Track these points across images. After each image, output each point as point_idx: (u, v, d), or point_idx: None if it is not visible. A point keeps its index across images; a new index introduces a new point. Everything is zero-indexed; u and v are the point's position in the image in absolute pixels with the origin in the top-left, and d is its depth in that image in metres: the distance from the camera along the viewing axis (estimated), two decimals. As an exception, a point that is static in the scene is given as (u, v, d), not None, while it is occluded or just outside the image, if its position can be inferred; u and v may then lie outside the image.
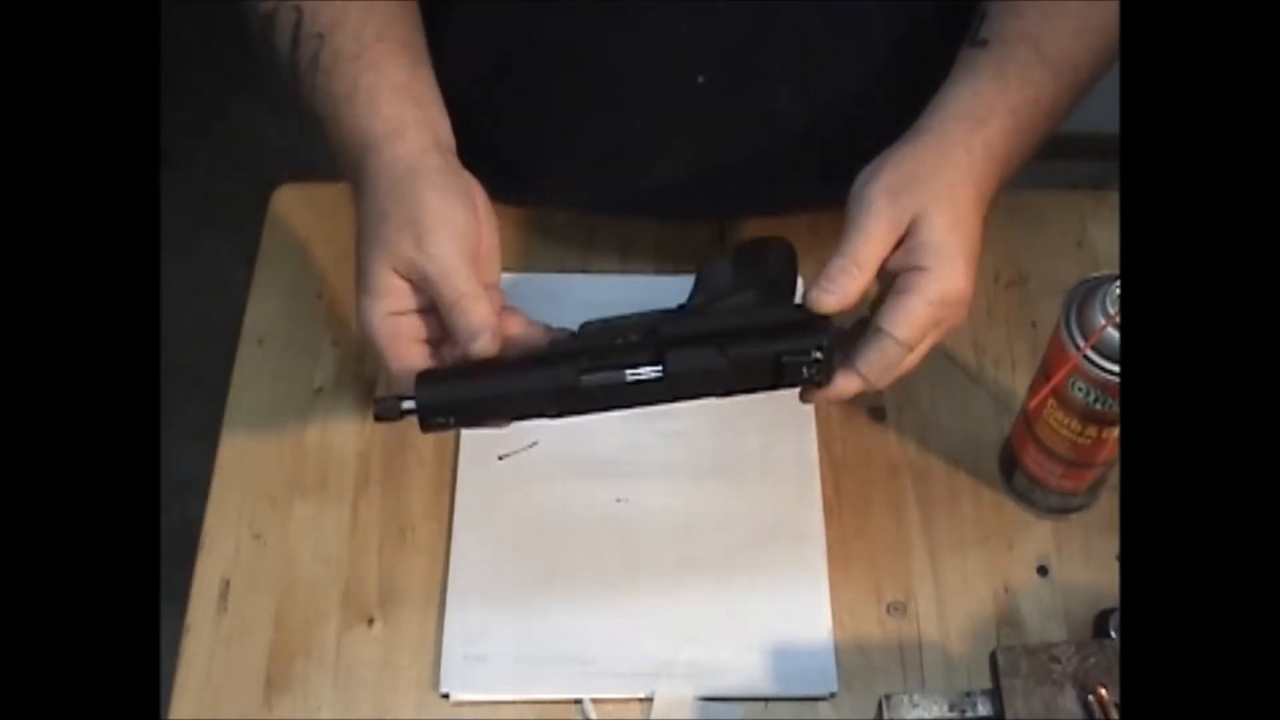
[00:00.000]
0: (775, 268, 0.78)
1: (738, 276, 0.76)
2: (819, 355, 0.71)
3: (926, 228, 0.71)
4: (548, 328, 0.76)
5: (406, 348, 0.73)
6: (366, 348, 0.74)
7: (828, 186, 0.89)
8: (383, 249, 0.72)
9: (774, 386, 0.73)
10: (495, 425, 0.76)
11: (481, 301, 0.72)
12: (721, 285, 0.75)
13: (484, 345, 0.71)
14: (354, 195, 0.75)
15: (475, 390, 0.72)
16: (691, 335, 0.72)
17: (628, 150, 0.90)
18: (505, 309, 0.75)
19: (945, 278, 0.71)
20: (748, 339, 0.72)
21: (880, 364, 0.72)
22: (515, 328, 0.74)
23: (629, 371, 0.70)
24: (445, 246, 0.72)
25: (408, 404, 0.71)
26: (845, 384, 0.73)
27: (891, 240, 0.72)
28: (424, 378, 0.72)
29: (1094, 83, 0.80)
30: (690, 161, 0.89)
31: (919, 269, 0.71)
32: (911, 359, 0.73)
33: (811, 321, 0.72)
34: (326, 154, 0.80)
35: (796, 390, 0.75)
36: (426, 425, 0.72)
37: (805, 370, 0.72)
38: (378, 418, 0.72)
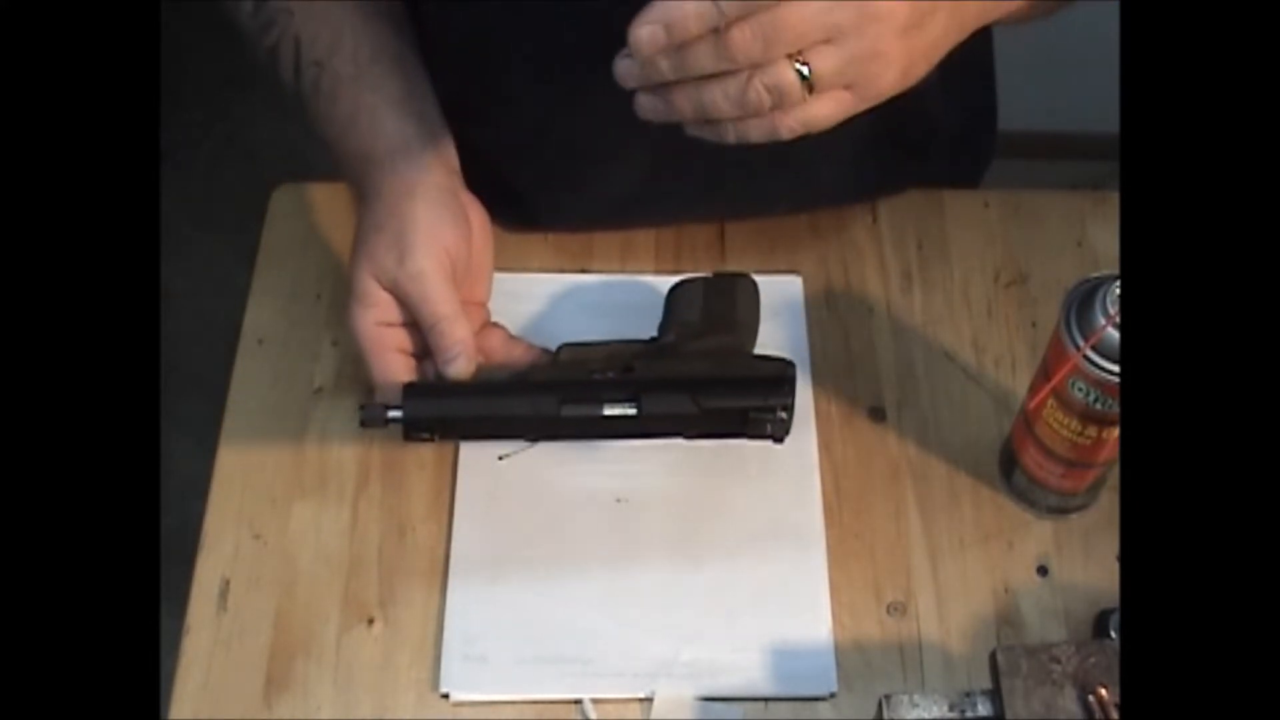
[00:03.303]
0: (743, 309, 0.83)
1: (708, 313, 0.81)
2: (784, 415, 0.76)
3: None
4: (529, 345, 0.78)
5: (390, 357, 0.77)
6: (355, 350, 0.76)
7: (797, 193, 0.89)
8: (369, 261, 0.76)
9: (736, 436, 0.78)
10: (473, 441, 0.79)
11: (458, 324, 0.75)
12: (693, 318, 0.81)
13: (460, 368, 0.75)
14: (355, 206, 0.78)
15: (459, 409, 0.77)
16: (668, 379, 0.77)
17: (592, 158, 0.90)
18: (487, 326, 0.77)
19: None
20: (720, 390, 0.77)
21: None
22: (495, 343, 0.77)
23: (606, 407, 0.75)
24: (426, 266, 0.74)
25: (394, 414, 0.75)
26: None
27: None
28: (411, 391, 0.75)
29: None
30: (653, 169, 0.88)
31: None
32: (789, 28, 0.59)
33: (780, 379, 0.76)
34: (332, 162, 0.81)
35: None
36: (409, 435, 0.76)
37: (769, 426, 0.76)
38: (363, 423, 0.76)
